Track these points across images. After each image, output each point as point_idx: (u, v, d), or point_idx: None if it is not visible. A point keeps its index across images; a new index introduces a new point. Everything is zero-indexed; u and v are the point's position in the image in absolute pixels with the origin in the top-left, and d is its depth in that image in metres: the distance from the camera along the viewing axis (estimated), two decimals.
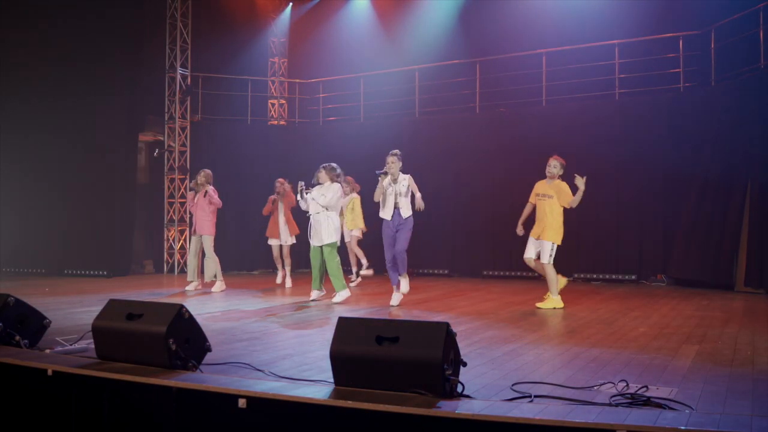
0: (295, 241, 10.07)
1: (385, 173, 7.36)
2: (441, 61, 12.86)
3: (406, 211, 7.35)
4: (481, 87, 12.37)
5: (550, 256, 7.18)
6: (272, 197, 10.06)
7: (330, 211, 7.79)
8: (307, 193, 7.97)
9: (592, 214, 11.12)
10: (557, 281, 7.25)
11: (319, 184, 7.99)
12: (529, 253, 7.36)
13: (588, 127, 11.09)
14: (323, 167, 7.98)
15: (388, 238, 7.36)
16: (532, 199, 7.50)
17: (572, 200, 7.15)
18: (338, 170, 7.94)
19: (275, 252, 10.15)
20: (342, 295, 7.69)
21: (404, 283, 7.53)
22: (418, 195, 7.23)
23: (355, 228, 9.97)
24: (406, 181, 7.36)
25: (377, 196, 7.40)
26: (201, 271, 9.41)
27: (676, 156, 10.39)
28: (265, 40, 14.92)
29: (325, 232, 7.73)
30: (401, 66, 13.19)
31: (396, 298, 7.48)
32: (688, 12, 10.89)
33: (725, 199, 9.43)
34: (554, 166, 7.30)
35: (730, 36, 9.98)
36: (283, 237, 9.96)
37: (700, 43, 10.56)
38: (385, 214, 7.39)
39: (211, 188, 9.23)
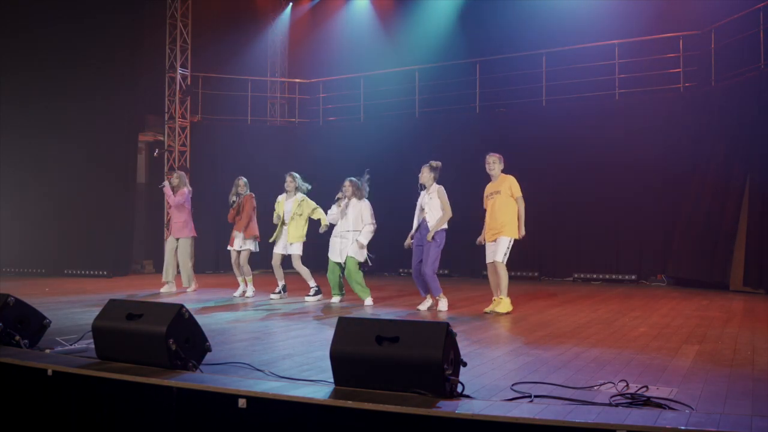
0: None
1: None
2: (441, 61, 12.87)
3: (431, 221, 7.14)
4: (481, 87, 12.37)
5: (505, 254, 6.88)
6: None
7: (365, 228, 7.65)
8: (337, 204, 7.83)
9: (592, 214, 11.15)
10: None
11: (338, 198, 7.80)
12: (490, 258, 6.99)
13: (588, 127, 11.10)
14: (350, 182, 7.71)
15: (416, 248, 7.26)
16: (485, 204, 7.20)
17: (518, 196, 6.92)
18: (365, 184, 7.76)
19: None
20: (369, 301, 7.65)
21: (441, 303, 7.14)
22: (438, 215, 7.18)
23: (297, 241, 8.19)
24: (434, 192, 7.25)
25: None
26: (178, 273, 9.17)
27: (675, 156, 10.40)
28: (265, 40, 14.93)
29: (351, 249, 7.60)
30: (401, 66, 13.20)
31: (424, 304, 7.23)
32: (688, 12, 10.91)
33: (724, 199, 9.43)
34: (493, 162, 7.07)
35: (730, 36, 9.99)
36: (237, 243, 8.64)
37: (700, 43, 10.57)
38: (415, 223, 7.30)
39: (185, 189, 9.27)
